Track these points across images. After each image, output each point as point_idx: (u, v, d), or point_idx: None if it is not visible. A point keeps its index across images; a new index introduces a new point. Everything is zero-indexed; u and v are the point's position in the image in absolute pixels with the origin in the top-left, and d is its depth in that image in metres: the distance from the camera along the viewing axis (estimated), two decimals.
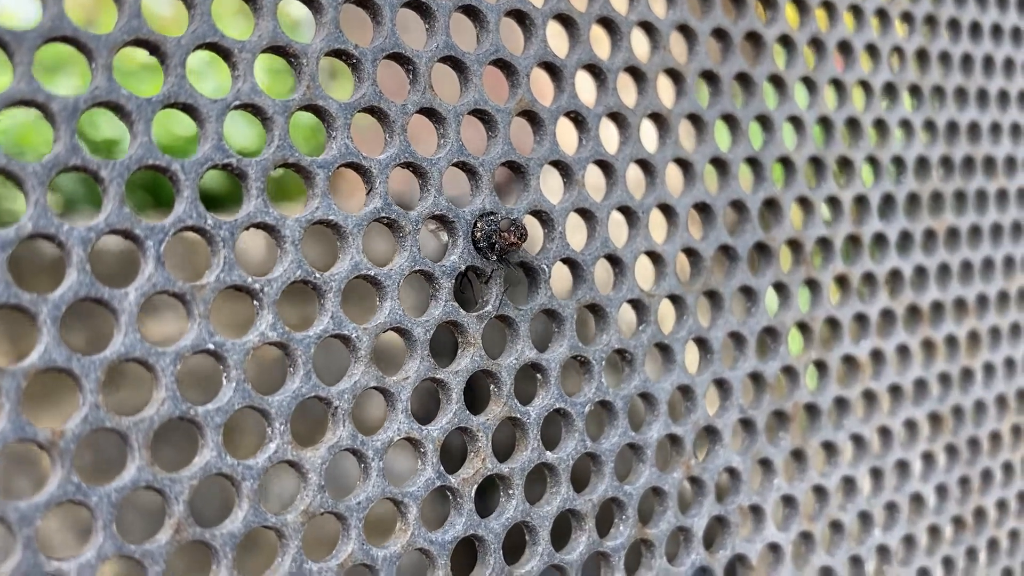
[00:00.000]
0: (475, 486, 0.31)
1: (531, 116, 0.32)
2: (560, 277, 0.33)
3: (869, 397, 0.43)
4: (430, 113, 0.30)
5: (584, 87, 0.34)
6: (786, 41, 0.40)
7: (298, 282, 0.28)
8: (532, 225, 0.32)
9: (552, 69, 0.33)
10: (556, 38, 0.33)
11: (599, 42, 0.34)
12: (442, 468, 0.30)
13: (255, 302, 0.27)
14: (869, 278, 0.43)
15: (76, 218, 0.25)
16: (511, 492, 0.31)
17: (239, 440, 0.27)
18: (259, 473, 0.27)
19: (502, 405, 0.31)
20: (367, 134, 0.34)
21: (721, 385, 0.37)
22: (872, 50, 0.44)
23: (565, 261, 0.33)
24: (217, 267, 0.26)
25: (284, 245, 0.27)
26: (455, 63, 0.31)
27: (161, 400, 0.25)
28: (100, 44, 0.24)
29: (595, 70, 0.34)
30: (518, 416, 0.32)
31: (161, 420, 0.25)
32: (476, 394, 0.32)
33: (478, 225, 0.31)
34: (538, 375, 0.32)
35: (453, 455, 0.31)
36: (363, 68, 0.29)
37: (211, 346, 0.26)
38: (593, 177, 0.34)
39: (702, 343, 0.37)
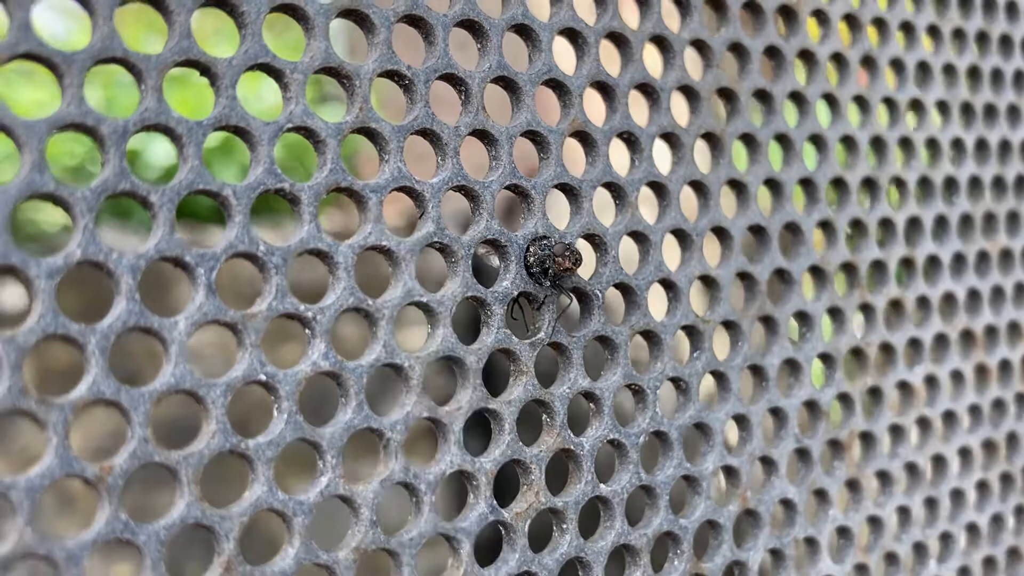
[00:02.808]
0: (528, 521, 0.30)
1: (583, 137, 0.32)
2: (613, 302, 0.32)
3: (923, 424, 0.42)
4: (483, 135, 0.29)
5: (635, 106, 0.33)
6: (810, 57, 0.39)
7: (350, 309, 0.27)
8: (585, 249, 0.31)
9: (604, 89, 0.32)
10: (607, 58, 0.32)
11: (650, 61, 0.33)
12: (495, 502, 0.29)
13: (307, 331, 0.26)
14: (923, 302, 0.42)
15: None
16: (565, 527, 0.30)
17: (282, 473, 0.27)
18: (311, 509, 0.26)
19: (555, 436, 0.30)
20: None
21: (776, 414, 0.36)
22: (924, 67, 0.42)
23: (618, 286, 0.32)
24: (269, 295, 0.25)
25: (337, 272, 0.27)
26: (507, 83, 0.30)
27: (211, 433, 0.25)
28: (150, 65, 0.24)
29: (647, 89, 0.33)
30: (571, 447, 0.31)
31: (211, 454, 0.25)
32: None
33: (531, 250, 0.30)
34: (591, 405, 0.31)
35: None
36: (416, 89, 0.28)
37: (263, 377, 0.25)
38: (645, 199, 0.33)
39: (757, 370, 0.36)
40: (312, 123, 0.26)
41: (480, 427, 0.30)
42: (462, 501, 0.29)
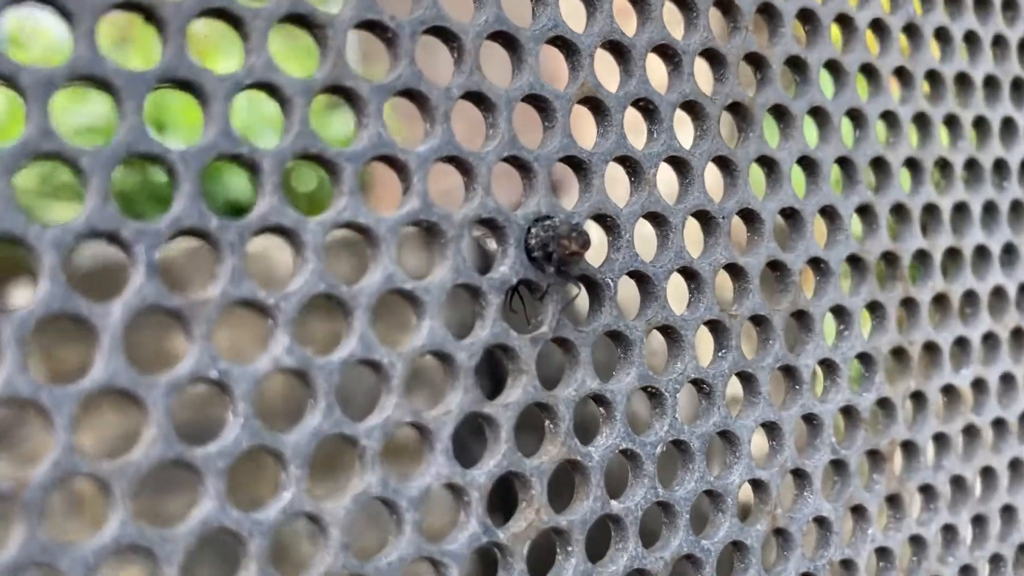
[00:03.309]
0: (528, 542, 0.26)
1: (595, 104, 0.28)
2: (626, 293, 0.28)
3: (971, 433, 0.38)
4: (478, 98, 0.26)
5: (655, 71, 0.29)
6: (848, 23, 0.35)
7: (320, 296, 0.23)
8: (594, 232, 0.27)
9: (619, 50, 0.28)
10: (623, 15, 0.28)
11: (672, 21, 0.29)
12: (488, 521, 0.25)
13: (269, 321, 0.22)
14: (970, 297, 0.38)
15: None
16: (570, 549, 0.26)
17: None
18: (270, 529, 0.22)
19: (559, 445, 0.26)
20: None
21: (810, 421, 0.32)
22: (971, 38, 0.38)
23: (632, 274, 0.28)
24: (223, 278, 0.22)
25: (304, 252, 0.23)
26: (507, 40, 0.26)
27: (151, 440, 0.21)
28: (83, 7, 0.20)
29: (668, 52, 0.29)
30: (578, 458, 0.27)
31: (150, 465, 0.21)
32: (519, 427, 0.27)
33: (532, 231, 0.26)
34: (601, 409, 0.27)
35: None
36: (400, 43, 0.24)
37: (214, 374, 0.22)
38: (664, 176, 0.29)
39: (789, 372, 0.32)
40: (276, 78, 0.22)
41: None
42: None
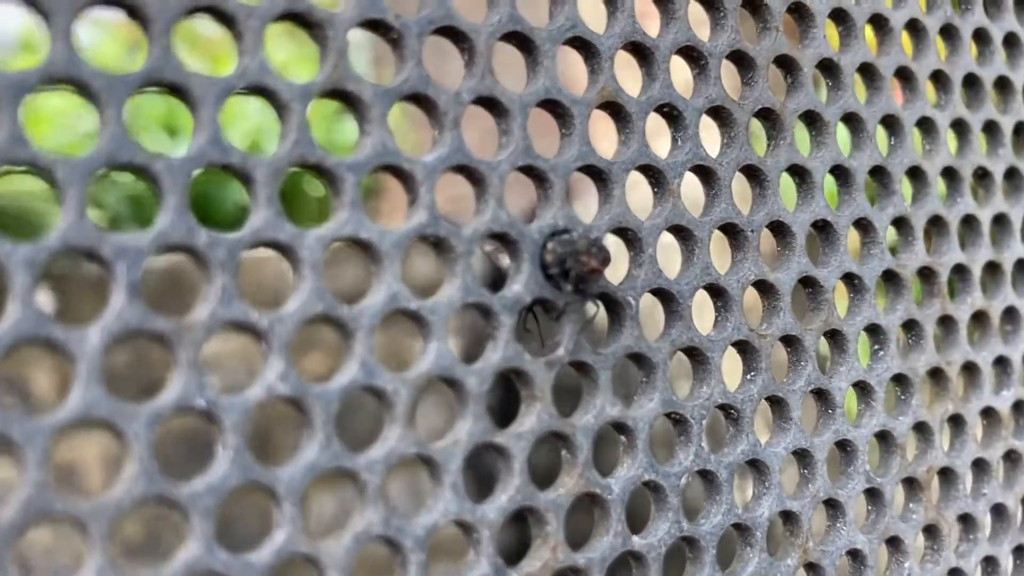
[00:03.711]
0: None
1: (615, 109, 0.26)
2: (649, 312, 0.26)
3: (1012, 459, 0.36)
4: (490, 103, 0.24)
5: (680, 75, 0.27)
6: (882, 24, 0.33)
7: (318, 318, 0.21)
8: (615, 246, 0.26)
9: (641, 52, 0.26)
10: (644, 16, 0.27)
11: (698, 21, 0.27)
12: (500, 561, 0.23)
13: (262, 345, 0.21)
14: (1010, 314, 0.36)
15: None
16: None
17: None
18: (262, 574, 0.20)
19: (577, 477, 0.24)
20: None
21: (844, 447, 0.30)
22: (1012, 40, 0.36)
23: (655, 292, 0.26)
24: (212, 299, 0.20)
25: (302, 270, 0.21)
26: (522, 41, 0.24)
27: (132, 476, 0.19)
28: (61, 6, 0.18)
29: (693, 54, 0.27)
30: (597, 491, 0.25)
31: (133, 503, 0.19)
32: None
33: (548, 246, 0.24)
34: (622, 438, 0.26)
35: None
36: (406, 44, 0.22)
37: (202, 403, 0.20)
38: (689, 187, 0.27)
39: (822, 395, 0.30)
40: (271, 82, 0.21)
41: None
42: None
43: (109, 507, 0.19)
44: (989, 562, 0.34)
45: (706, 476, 0.27)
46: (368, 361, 0.22)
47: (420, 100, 0.23)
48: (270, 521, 0.21)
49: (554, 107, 0.25)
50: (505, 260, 0.24)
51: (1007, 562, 0.35)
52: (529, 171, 0.24)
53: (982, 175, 0.35)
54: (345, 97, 0.22)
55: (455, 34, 0.23)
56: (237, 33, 0.20)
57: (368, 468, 0.21)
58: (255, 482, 0.20)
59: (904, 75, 0.33)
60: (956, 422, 0.34)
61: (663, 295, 0.27)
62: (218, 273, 0.20)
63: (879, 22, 0.32)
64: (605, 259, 0.24)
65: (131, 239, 0.19)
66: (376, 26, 0.22)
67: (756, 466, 0.28)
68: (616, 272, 0.25)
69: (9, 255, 0.18)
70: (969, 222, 0.35)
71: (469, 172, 0.23)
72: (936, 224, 0.34)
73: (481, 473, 0.27)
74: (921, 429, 0.33)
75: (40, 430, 0.18)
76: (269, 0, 0.21)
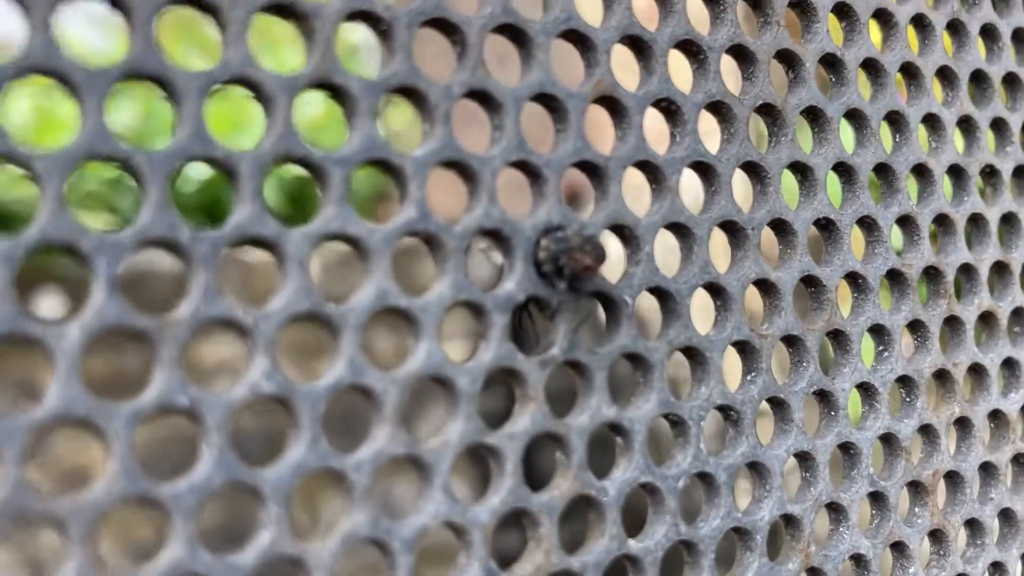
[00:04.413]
0: None
1: (612, 104, 0.25)
2: (646, 311, 0.26)
3: (1020, 462, 0.35)
4: (482, 97, 0.23)
5: (679, 69, 0.26)
6: (887, 19, 0.33)
7: (304, 316, 0.21)
8: (611, 244, 0.25)
9: (639, 45, 0.26)
10: (642, 8, 0.26)
11: (697, 16, 0.27)
12: (492, 564, 0.23)
13: (247, 343, 0.20)
14: (1018, 315, 0.35)
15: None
16: None
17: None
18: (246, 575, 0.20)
19: (571, 479, 0.24)
20: None
21: (847, 450, 0.30)
22: (1020, 36, 0.36)
23: (653, 291, 0.26)
24: (195, 296, 0.20)
25: (287, 267, 0.21)
26: (515, 33, 0.24)
27: (113, 476, 0.19)
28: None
29: (692, 48, 0.27)
30: (592, 493, 0.24)
31: (112, 503, 0.19)
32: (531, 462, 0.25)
33: (542, 243, 0.24)
34: (618, 439, 0.25)
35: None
36: (395, 36, 0.22)
37: (184, 401, 0.19)
38: (688, 183, 0.27)
39: (824, 397, 0.29)
40: (255, 74, 0.20)
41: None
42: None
43: (88, 507, 0.18)
44: (997, 568, 0.34)
45: (705, 479, 0.26)
46: (356, 360, 0.21)
47: (409, 93, 0.22)
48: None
49: (548, 101, 0.24)
50: (498, 257, 0.24)
51: (1015, 568, 0.34)
52: (523, 166, 0.24)
53: (989, 173, 0.35)
54: (332, 90, 0.21)
55: (446, 26, 0.23)
56: (221, 24, 0.20)
57: (356, 468, 0.21)
58: (239, 482, 0.20)
59: (909, 71, 0.32)
60: (963, 425, 0.33)
61: (661, 294, 0.26)
62: (201, 269, 0.20)
63: (883, 16, 0.32)
64: (599, 256, 0.24)
65: (111, 234, 0.19)
66: (365, 17, 0.22)
67: (756, 469, 0.27)
68: (613, 270, 0.25)
69: None
70: (976, 221, 0.34)
71: (461, 167, 0.23)
72: (942, 223, 0.33)
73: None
74: (927, 432, 0.32)
75: (17, 428, 0.18)
76: None
